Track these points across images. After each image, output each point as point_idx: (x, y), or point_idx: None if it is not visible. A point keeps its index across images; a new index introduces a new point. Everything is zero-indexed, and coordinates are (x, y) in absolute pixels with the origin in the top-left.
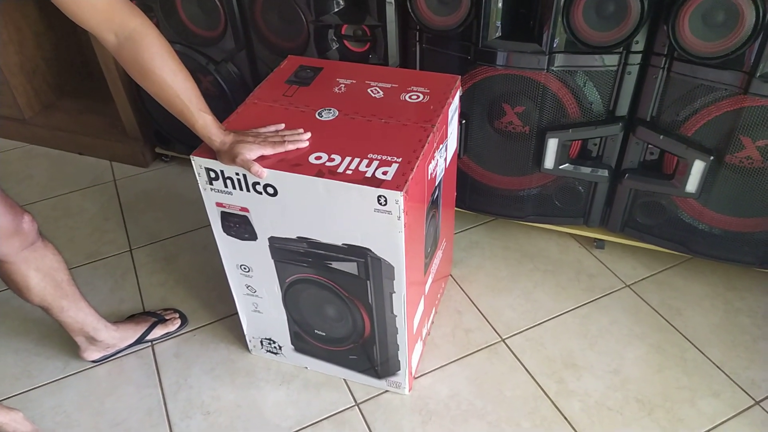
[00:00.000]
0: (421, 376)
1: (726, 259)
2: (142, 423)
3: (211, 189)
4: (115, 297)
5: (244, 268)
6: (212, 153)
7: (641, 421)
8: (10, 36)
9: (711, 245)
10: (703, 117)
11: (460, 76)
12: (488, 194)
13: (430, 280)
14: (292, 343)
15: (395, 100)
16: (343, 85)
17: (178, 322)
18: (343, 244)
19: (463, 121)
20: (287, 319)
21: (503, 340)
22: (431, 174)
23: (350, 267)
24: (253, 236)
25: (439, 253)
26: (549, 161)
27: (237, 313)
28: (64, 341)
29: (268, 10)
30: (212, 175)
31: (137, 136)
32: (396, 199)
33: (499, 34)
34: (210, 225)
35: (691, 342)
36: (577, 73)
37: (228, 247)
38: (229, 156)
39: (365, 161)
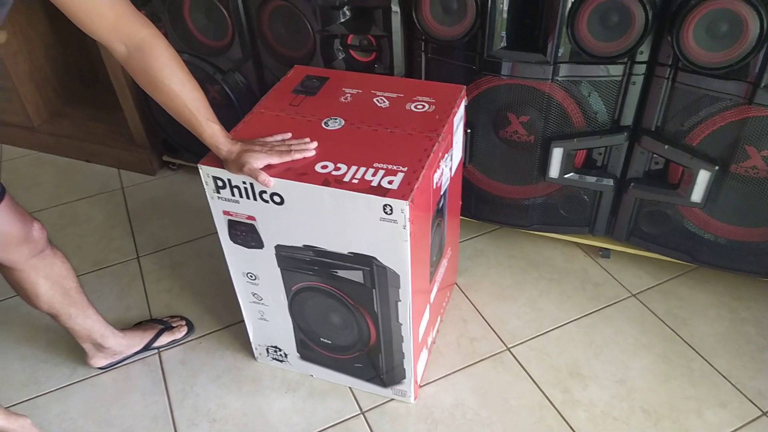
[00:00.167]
0: (427, 384)
1: (732, 269)
2: (148, 430)
3: (219, 197)
4: (122, 304)
5: (251, 276)
6: (220, 162)
7: None
8: (20, 45)
9: (716, 255)
10: (707, 127)
11: (465, 86)
12: (493, 203)
13: (435, 289)
14: (298, 351)
15: (401, 110)
16: (349, 95)
17: (184, 330)
18: (349, 252)
19: (468, 131)
20: (293, 327)
21: (508, 349)
22: (436, 183)
23: (356, 275)
24: (259, 244)
25: (444, 262)
26: (554, 170)
27: (243, 321)
28: (71, 348)
29: (275, 21)
30: (219, 183)
31: (145, 144)
32: (402, 208)
33: (504, 44)
34: (216, 233)
35: (697, 352)
36: (582, 83)
37: (234, 255)
38: (237, 165)
39: (371, 170)
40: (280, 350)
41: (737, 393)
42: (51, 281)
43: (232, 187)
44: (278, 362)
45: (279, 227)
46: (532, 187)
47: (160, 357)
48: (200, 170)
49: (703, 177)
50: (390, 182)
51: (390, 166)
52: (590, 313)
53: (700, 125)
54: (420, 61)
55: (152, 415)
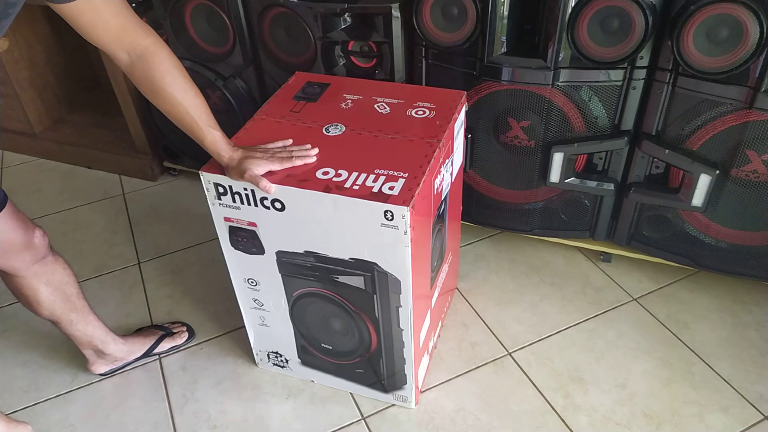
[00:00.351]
0: (428, 390)
1: (733, 273)
2: None
3: (220, 204)
4: (123, 310)
5: (252, 282)
6: (221, 168)
7: None
8: (21, 52)
9: (718, 259)
10: (708, 131)
11: (465, 92)
12: (494, 208)
13: (436, 294)
14: (299, 357)
15: (401, 116)
16: (350, 101)
17: (185, 336)
18: (350, 258)
19: (469, 136)
20: (294, 332)
21: (510, 354)
22: (437, 188)
23: (357, 281)
24: (260, 250)
25: (445, 267)
26: (555, 175)
27: (244, 327)
28: (72, 354)
29: (276, 27)
30: (221, 190)
31: (146, 151)
32: (402, 214)
33: (504, 49)
34: (217, 239)
35: (698, 356)
36: (582, 88)
37: (235, 261)
38: (238, 171)
39: (372, 176)
40: (281, 356)
41: (739, 397)
42: (52, 288)
43: (233, 194)
44: (279, 368)
45: (280, 233)
46: (533, 192)
47: (161, 363)
48: (202, 177)
49: (704, 181)
50: (391, 188)
51: (391, 172)
52: (591, 318)
53: (701, 130)
54: (420, 67)
55: (153, 421)
